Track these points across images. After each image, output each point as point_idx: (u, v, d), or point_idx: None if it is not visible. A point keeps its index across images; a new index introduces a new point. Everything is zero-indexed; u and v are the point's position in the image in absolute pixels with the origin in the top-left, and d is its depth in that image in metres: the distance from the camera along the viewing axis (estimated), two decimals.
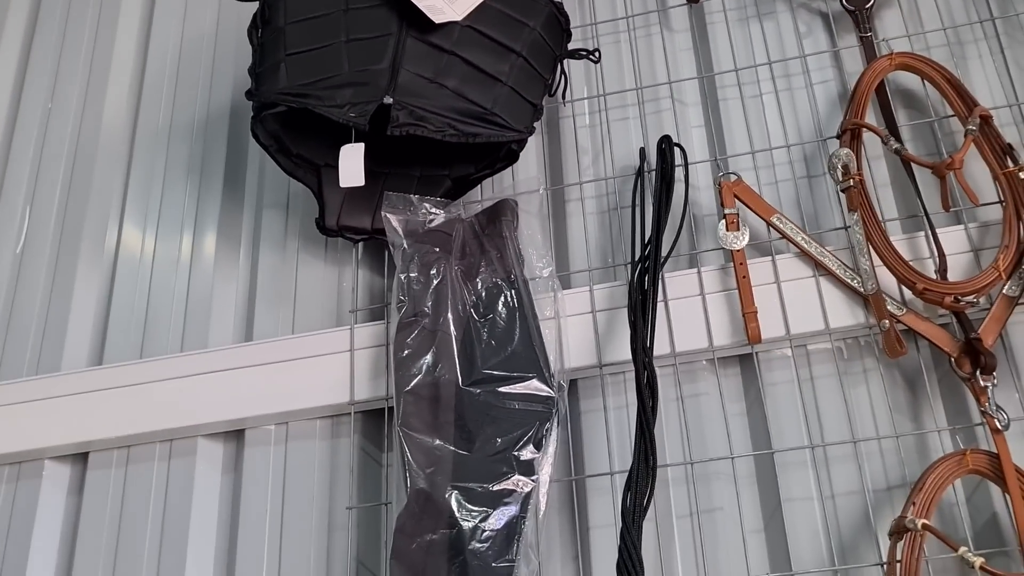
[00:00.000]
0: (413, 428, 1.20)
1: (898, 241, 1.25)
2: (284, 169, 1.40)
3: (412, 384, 1.23)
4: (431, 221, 1.36)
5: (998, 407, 1.12)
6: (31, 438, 1.40)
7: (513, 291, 1.29)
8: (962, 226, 1.25)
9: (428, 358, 1.25)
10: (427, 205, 1.36)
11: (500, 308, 1.28)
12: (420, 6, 1.31)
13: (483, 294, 1.29)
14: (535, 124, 1.35)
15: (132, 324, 1.50)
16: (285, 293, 1.46)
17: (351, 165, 1.27)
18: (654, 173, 1.35)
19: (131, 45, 1.77)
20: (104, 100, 1.72)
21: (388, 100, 1.27)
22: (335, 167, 1.32)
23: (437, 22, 1.31)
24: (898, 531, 1.07)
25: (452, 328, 1.26)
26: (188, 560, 1.30)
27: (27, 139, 1.71)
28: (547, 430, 1.20)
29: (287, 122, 1.37)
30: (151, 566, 1.31)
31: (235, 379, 1.37)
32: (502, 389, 1.22)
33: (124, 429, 1.38)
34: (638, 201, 1.34)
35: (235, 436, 1.39)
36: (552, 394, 1.21)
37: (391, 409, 1.27)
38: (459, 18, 1.33)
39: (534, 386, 1.22)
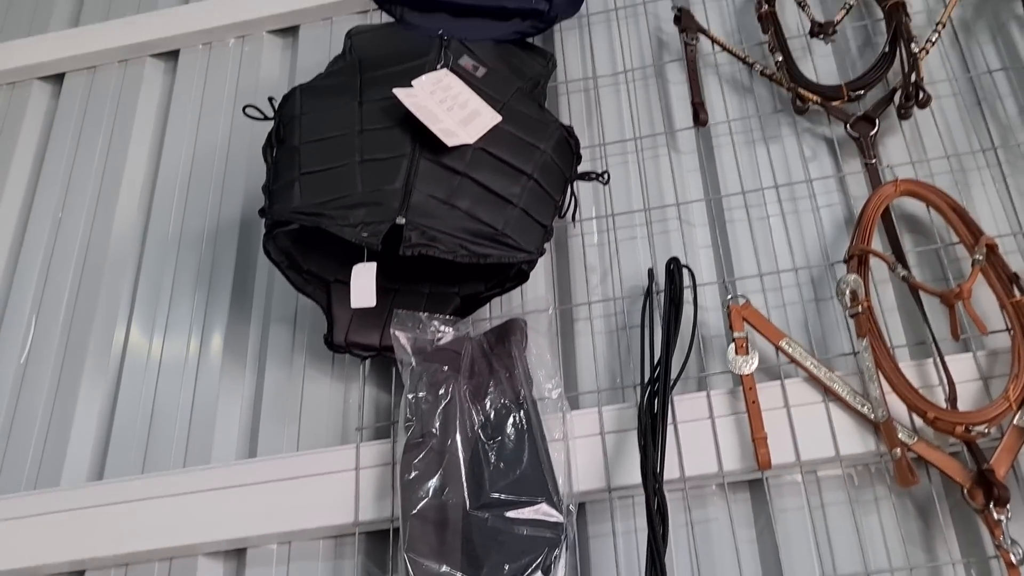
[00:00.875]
0: (419, 553, 1.18)
1: (907, 368, 1.25)
2: (294, 285, 1.41)
3: (419, 507, 1.21)
4: (440, 339, 1.36)
5: (1013, 541, 1.10)
6: (26, 555, 1.37)
7: (522, 412, 1.28)
8: (971, 353, 1.25)
9: (435, 480, 1.24)
10: (436, 323, 1.36)
11: (509, 430, 1.27)
12: (434, 130, 1.33)
13: (492, 415, 1.29)
14: (545, 245, 1.36)
15: (135, 438, 1.49)
16: (290, 409, 1.45)
17: (363, 285, 1.27)
18: (663, 294, 1.36)
19: (144, 154, 1.80)
20: (115, 209, 1.73)
21: (401, 220, 1.28)
22: (345, 283, 1.33)
23: (450, 145, 1.33)
24: None
25: (460, 450, 1.25)
26: None
27: (36, 248, 1.72)
28: (556, 556, 1.18)
29: (298, 239, 1.38)
30: None
31: (238, 497, 1.35)
32: (510, 514, 1.20)
33: (123, 547, 1.35)
34: (647, 322, 1.34)
35: (236, 555, 1.36)
36: (561, 519, 1.19)
37: (396, 531, 1.25)
38: (472, 141, 1.35)
39: (543, 511, 1.20)
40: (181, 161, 1.76)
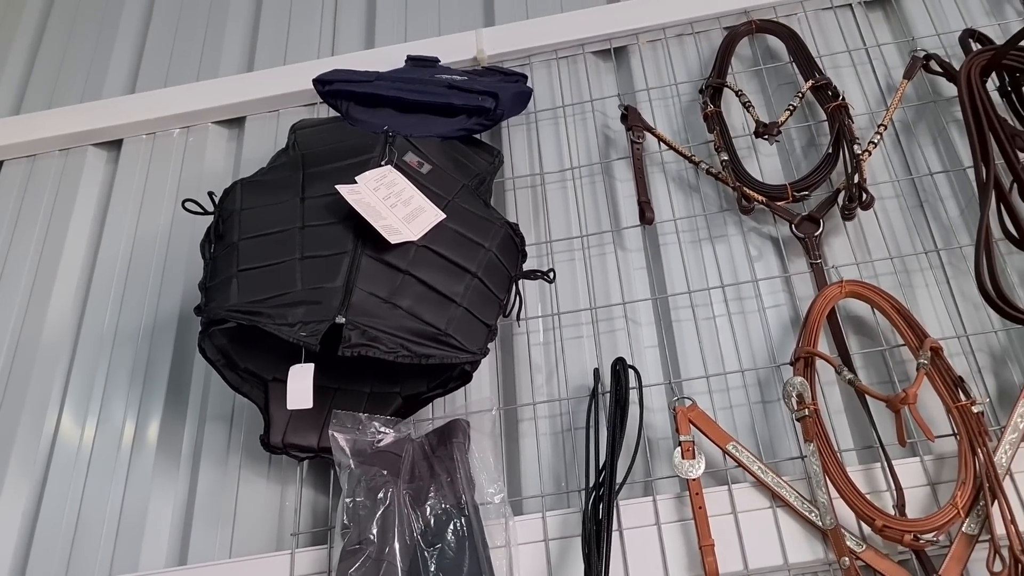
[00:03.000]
0: None
1: (855, 472, 1.23)
2: (230, 384, 1.37)
3: None
4: (380, 441, 1.32)
5: None
6: None
7: (463, 519, 1.24)
8: (918, 458, 1.24)
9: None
10: (376, 424, 1.32)
11: (449, 537, 1.23)
12: (377, 227, 1.31)
13: (431, 521, 1.24)
14: (489, 345, 1.33)
15: (59, 542, 1.42)
16: (224, 512, 1.40)
17: (300, 387, 1.24)
18: (608, 395, 1.33)
19: (82, 244, 1.76)
20: (50, 299, 1.68)
21: (340, 320, 1.25)
22: (283, 381, 1.29)
23: (393, 242, 1.31)
24: None
25: (399, 559, 1.20)
26: None
27: None
28: None
29: (236, 336, 1.34)
30: None
31: None
32: None
33: None
34: (592, 424, 1.31)
35: None
36: None
37: None
38: (415, 238, 1.33)
39: None
40: (120, 252, 1.72)
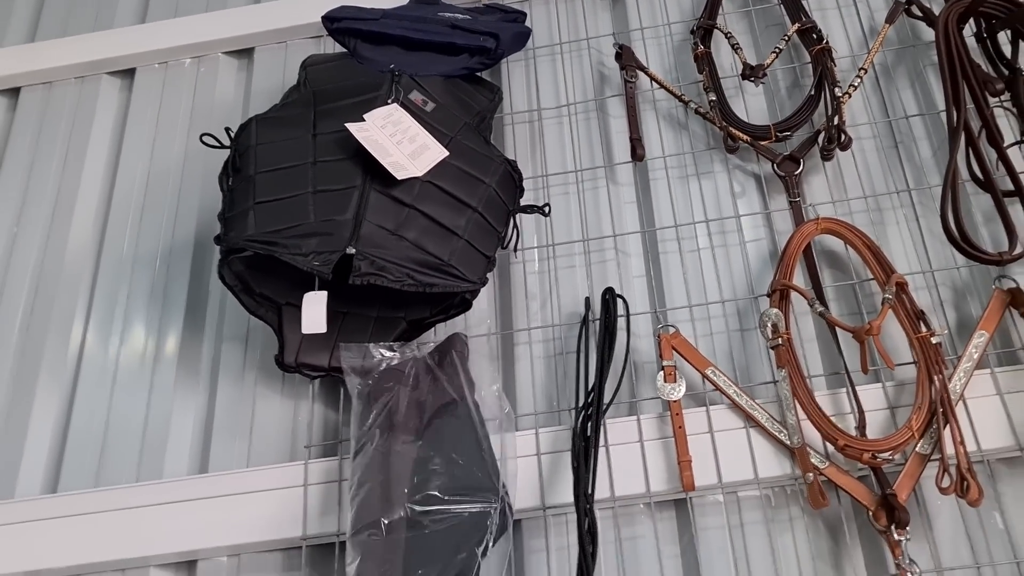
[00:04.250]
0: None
1: (822, 396, 1.35)
2: (247, 308, 1.47)
3: (363, 523, 1.27)
4: (385, 365, 1.42)
5: (911, 560, 1.20)
6: None
7: (464, 407, 1.34)
8: (880, 384, 1.35)
9: (379, 484, 1.29)
10: (382, 351, 1.42)
11: (451, 421, 1.33)
12: (384, 164, 1.40)
13: (434, 413, 1.34)
14: (488, 275, 1.43)
15: (89, 451, 1.53)
16: (242, 426, 1.51)
17: (314, 313, 1.34)
18: (598, 322, 1.44)
19: (99, 171, 1.84)
20: (71, 225, 1.77)
21: (351, 250, 1.35)
22: (296, 306, 1.39)
23: (399, 178, 1.40)
24: None
25: (402, 450, 1.30)
26: None
27: None
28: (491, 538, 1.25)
29: (252, 263, 1.44)
30: None
31: (189, 511, 1.41)
32: (454, 508, 1.26)
33: (76, 558, 1.40)
34: (582, 349, 1.42)
35: (187, 567, 1.42)
36: (492, 509, 1.26)
37: (343, 544, 1.32)
38: (420, 174, 1.42)
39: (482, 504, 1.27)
40: (136, 179, 1.80)
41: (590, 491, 1.27)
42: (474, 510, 1.26)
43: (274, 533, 1.38)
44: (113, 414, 1.57)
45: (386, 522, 1.26)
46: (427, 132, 1.47)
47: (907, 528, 1.22)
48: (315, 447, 1.45)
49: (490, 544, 1.24)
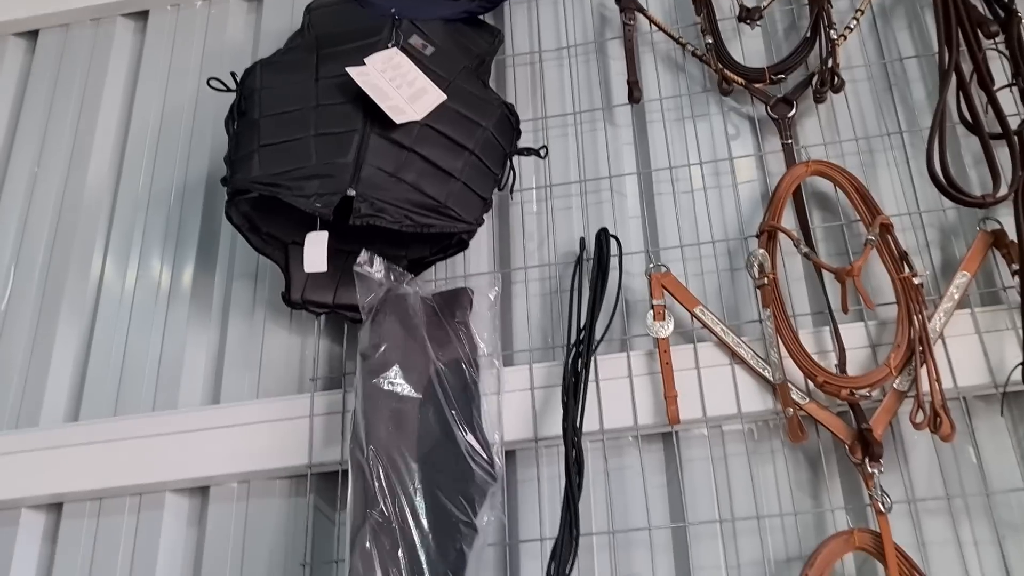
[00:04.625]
0: (377, 439, 1.30)
1: (807, 334, 1.39)
2: (254, 246, 1.52)
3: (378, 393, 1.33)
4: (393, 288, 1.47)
5: (883, 491, 1.25)
6: (9, 488, 1.51)
7: (469, 370, 1.40)
8: (863, 323, 1.39)
9: (395, 368, 1.36)
10: (393, 272, 1.47)
11: (457, 380, 1.39)
12: (383, 107, 1.44)
13: (443, 366, 1.40)
14: (484, 216, 1.48)
15: (107, 382, 1.61)
16: (251, 359, 1.58)
17: (315, 252, 1.39)
18: (592, 262, 1.48)
19: (115, 112, 1.89)
20: (88, 164, 1.83)
21: (351, 192, 1.40)
22: (301, 245, 1.45)
23: (398, 122, 1.44)
24: None
25: (413, 389, 1.36)
26: None
27: (14, 201, 1.82)
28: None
29: (258, 204, 1.49)
30: None
31: (202, 439, 1.49)
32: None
33: (97, 483, 1.49)
34: (576, 287, 1.47)
35: (200, 492, 1.51)
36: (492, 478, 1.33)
37: (345, 472, 1.39)
38: (419, 118, 1.46)
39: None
40: (151, 120, 1.86)
41: (578, 424, 1.33)
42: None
43: (281, 461, 1.45)
44: (130, 347, 1.64)
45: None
46: (426, 76, 1.50)
47: (881, 461, 1.27)
48: (320, 380, 1.51)
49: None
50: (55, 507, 1.53)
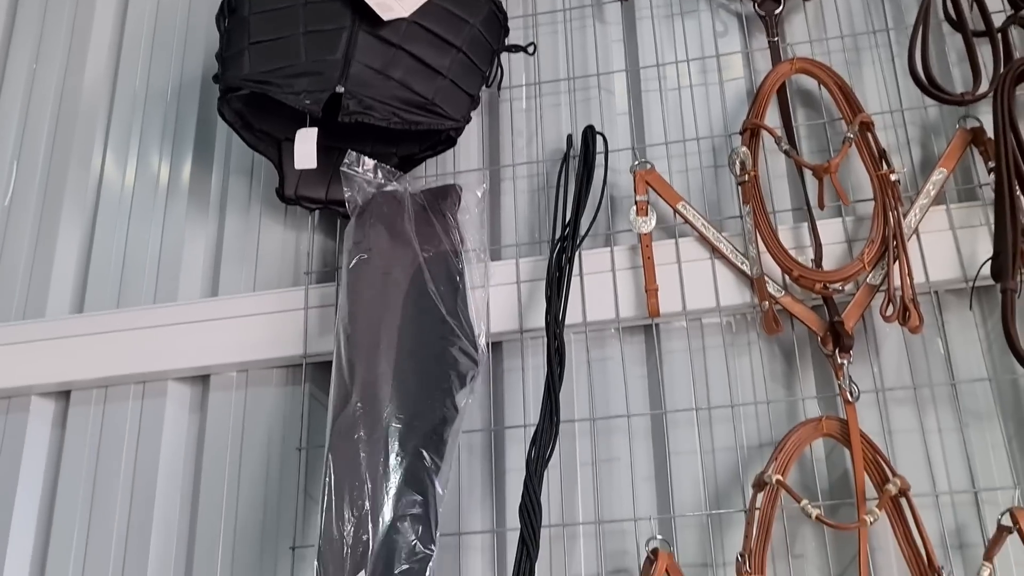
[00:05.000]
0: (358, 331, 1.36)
1: (786, 230, 1.43)
2: (247, 143, 1.56)
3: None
4: (382, 186, 1.51)
5: (851, 381, 1.30)
6: (18, 376, 1.58)
7: (455, 262, 1.44)
8: (840, 219, 1.43)
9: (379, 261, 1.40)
10: (381, 171, 1.50)
11: (443, 270, 1.43)
12: (370, 3, 1.45)
13: (430, 255, 1.44)
14: (471, 114, 1.50)
15: (110, 275, 1.67)
16: (248, 253, 1.63)
17: (305, 149, 1.43)
18: (578, 159, 1.51)
19: (110, 12, 1.90)
20: (85, 63, 1.85)
21: (340, 89, 1.43)
22: (293, 141, 1.48)
23: (386, 19, 1.46)
24: (759, 484, 1.27)
25: (401, 270, 1.41)
26: (158, 489, 1.50)
27: (14, 98, 1.85)
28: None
29: (250, 101, 1.52)
30: (125, 494, 1.50)
31: (201, 330, 1.55)
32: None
33: (102, 371, 1.56)
34: (562, 183, 1.50)
35: (201, 380, 1.57)
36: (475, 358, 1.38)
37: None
38: (406, 15, 1.48)
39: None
40: (146, 16, 1.87)
41: (561, 317, 1.38)
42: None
43: (278, 351, 1.51)
44: (131, 241, 1.69)
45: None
46: None
47: (851, 353, 1.32)
48: (315, 273, 1.56)
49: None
50: (63, 395, 1.60)
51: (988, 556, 1.19)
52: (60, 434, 1.58)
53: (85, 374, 1.56)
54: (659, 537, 1.29)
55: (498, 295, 1.48)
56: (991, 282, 1.33)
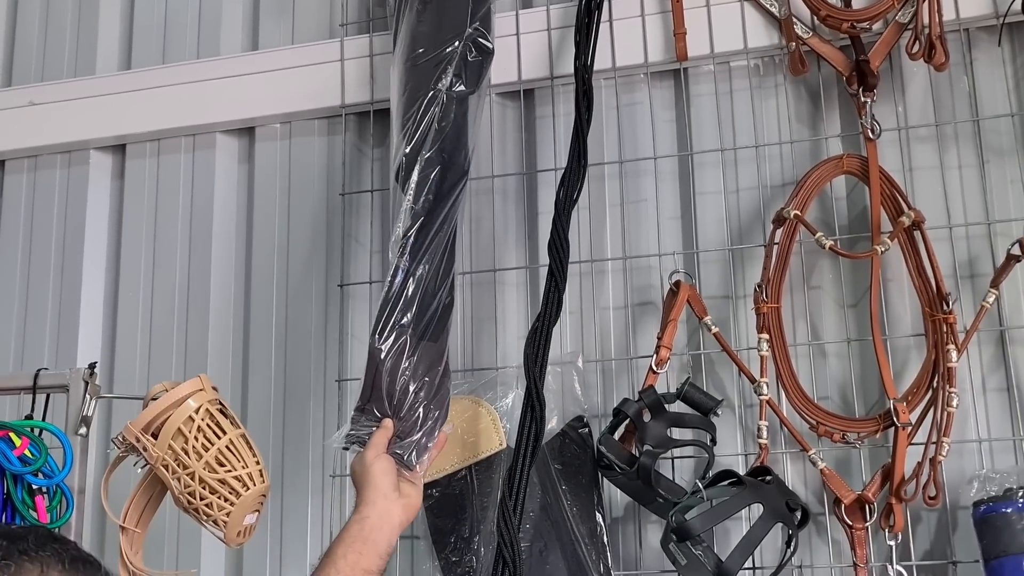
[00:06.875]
0: None
1: None
2: None
3: None
4: None
5: (874, 118, 1.33)
6: (76, 130, 1.66)
7: None
8: None
9: None
10: None
11: None
12: None
13: None
14: None
15: (153, 31, 1.71)
16: (285, 6, 1.66)
17: None
18: None
19: None
20: None
21: None
22: None
23: None
24: (778, 220, 1.33)
25: None
26: (214, 232, 1.61)
27: None
28: None
29: None
30: (184, 237, 1.62)
31: (244, 84, 1.61)
32: None
33: (153, 125, 1.64)
34: None
35: (247, 133, 1.65)
36: None
37: (376, 112, 1.51)
38: None
39: None
40: None
41: (589, 62, 1.40)
42: None
43: (318, 103, 1.57)
44: None
45: None
46: None
47: (875, 92, 1.34)
48: (350, 25, 1.59)
49: None
50: (119, 148, 1.69)
51: (995, 283, 1.26)
52: (119, 185, 1.68)
53: (137, 128, 1.64)
54: (681, 271, 1.36)
55: (529, 43, 1.50)
56: (1022, 17, 1.32)
